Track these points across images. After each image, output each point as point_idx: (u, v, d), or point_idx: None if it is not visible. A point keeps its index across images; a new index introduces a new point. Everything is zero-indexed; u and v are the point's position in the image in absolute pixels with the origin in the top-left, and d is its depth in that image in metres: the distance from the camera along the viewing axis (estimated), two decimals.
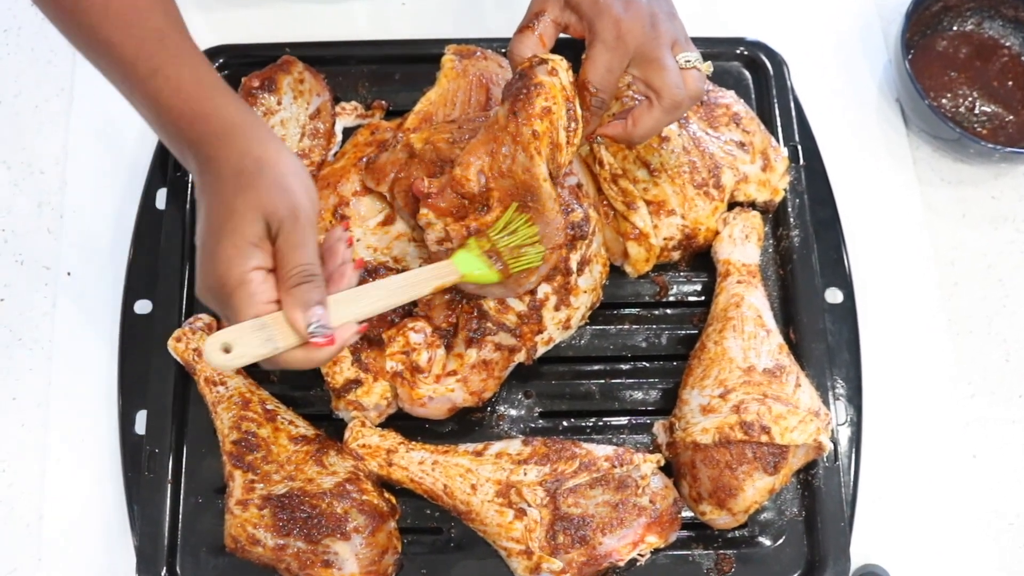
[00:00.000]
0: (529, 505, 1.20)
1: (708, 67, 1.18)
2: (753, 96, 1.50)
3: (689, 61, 1.15)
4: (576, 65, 1.16)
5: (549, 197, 1.15)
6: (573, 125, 1.15)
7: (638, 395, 1.36)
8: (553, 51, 1.17)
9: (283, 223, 0.97)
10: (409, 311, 1.28)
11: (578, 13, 1.13)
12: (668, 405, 1.33)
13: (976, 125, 1.52)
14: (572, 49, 1.18)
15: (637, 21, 1.11)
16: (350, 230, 1.21)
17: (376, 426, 1.29)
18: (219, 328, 1.31)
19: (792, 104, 1.48)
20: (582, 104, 1.16)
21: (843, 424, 1.34)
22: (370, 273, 1.28)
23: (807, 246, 1.39)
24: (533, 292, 1.26)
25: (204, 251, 0.99)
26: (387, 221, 1.29)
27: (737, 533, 1.29)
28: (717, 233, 1.37)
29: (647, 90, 1.15)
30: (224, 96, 1.05)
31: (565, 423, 1.34)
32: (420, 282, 1.12)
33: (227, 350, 0.94)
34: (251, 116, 1.06)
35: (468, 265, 1.16)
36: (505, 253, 1.17)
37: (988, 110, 1.53)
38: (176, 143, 1.07)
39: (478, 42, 1.43)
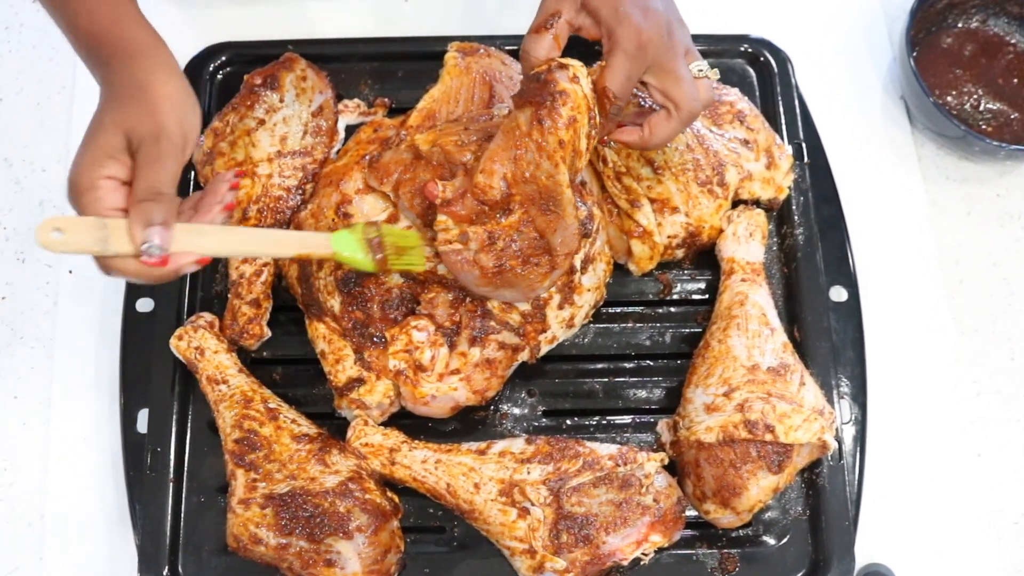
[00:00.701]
0: (532, 504, 1.20)
1: (716, 74, 1.18)
2: (757, 93, 1.50)
3: (702, 71, 1.16)
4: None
5: (569, 203, 1.16)
6: (593, 132, 1.14)
7: (642, 393, 1.35)
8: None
9: (143, 141, 1.01)
10: (412, 309, 1.28)
11: (595, 18, 1.13)
12: (672, 404, 1.33)
13: (981, 123, 1.52)
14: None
15: (656, 30, 1.11)
16: (246, 179, 1.24)
17: (379, 425, 1.28)
18: (221, 326, 1.31)
19: (796, 101, 1.47)
20: (600, 111, 1.15)
21: (847, 423, 1.34)
22: (371, 273, 1.27)
23: (811, 244, 1.38)
24: None
25: (73, 160, 1.03)
26: (390, 220, 1.28)
27: (741, 532, 1.29)
28: (721, 231, 1.37)
29: (664, 100, 1.15)
30: (133, 25, 1.10)
31: (568, 422, 1.34)
32: (284, 242, 1.14)
33: (59, 231, 0.96)
34: (155, 47, 1.10)
35: (344, 245, 1.17)
36: (390, 248, 1.19)
37: (993, 107, 1.53)
38: (88, 64, 1.11)
39: (481, 39, 1.43)
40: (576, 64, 1.13)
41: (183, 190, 1.39)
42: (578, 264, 1.28)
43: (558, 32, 1.13)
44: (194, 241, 1.03)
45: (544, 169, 1.13)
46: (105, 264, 1.01)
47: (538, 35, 1.13)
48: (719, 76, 1.20)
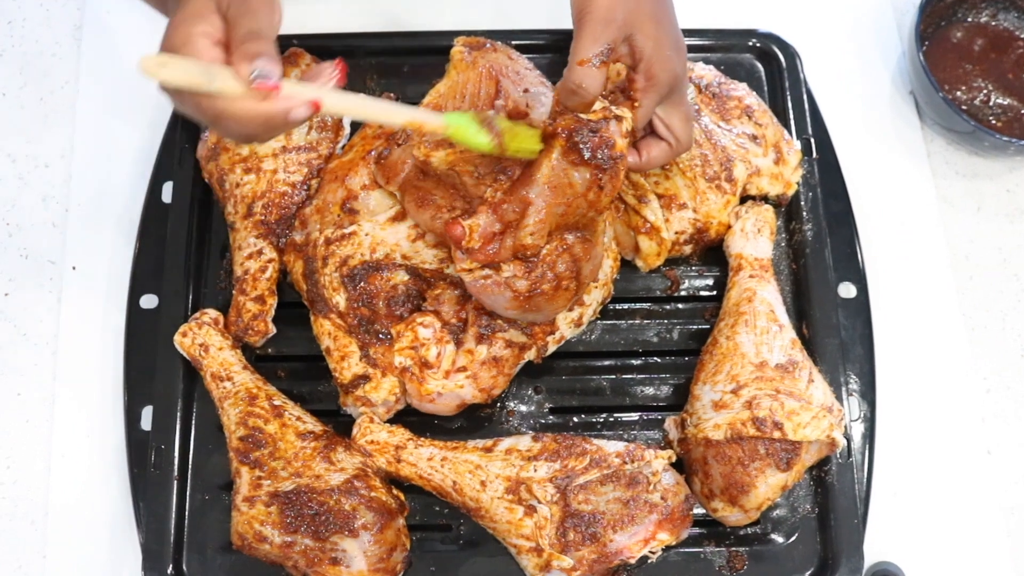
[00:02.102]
0: (539, 502, 1.19)
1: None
2: (766, 88, 1.49)
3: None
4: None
5: (602, 231, 1.18)
6: None
7: (649, 391, 1.35)
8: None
9: (232, 1, 1.01)
10: (418, 306, 1.27)
11: (635, 53, 1.14)
12: (679, 401, 1.32)
13: (991, 118, 1.51)
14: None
15: (681, 69, 1.14)
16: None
17: (384, 422, 1.28)
18: (226, 322, 1.31)
19: (805, 97, 1.47)
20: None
21: (856, 420, 1.34)
22: (376, 269, 1.27)
23: (820, 240, 1.38)
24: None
25: (164, 34, 1.02)
26: (398, 217, 1.28)
27: (749, 530, 1.29)
28: (729, 227, 1.36)
29: (668, 133, 1.19)
30: None
31: (575, 419, 1.34)
32: (399, 112, 1.10)
33: (165, 65, 0.95)
34: None
35: (461, 125, 1.11)
36: (506, 130, 1.13)
37: (1003, 103, 1.52)
38: None
39: (488, 34, 1.42)
40: (628, 115, 1.14)
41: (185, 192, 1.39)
42: None
43: (607, 64, 1.12)
44: (303, 91, 1.00)
45: (589, 217, 1.15)
46: (211, 108, 0.98)
47: (590, 69, 1.10)
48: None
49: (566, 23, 1.54)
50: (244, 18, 0.99)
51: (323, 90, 1.01)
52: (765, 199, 1.40)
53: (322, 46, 1.46)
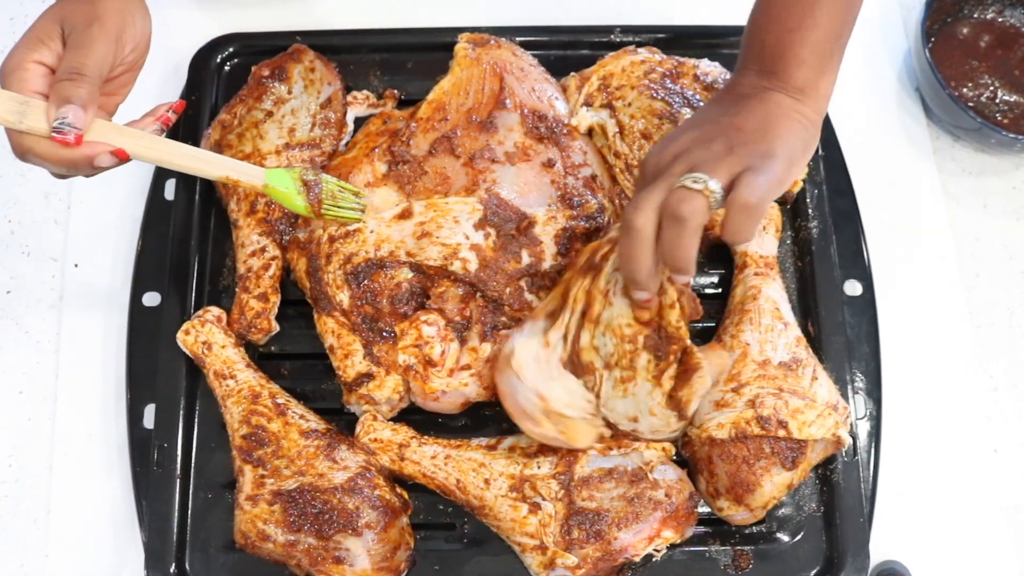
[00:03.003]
0: (543, 499, 1.19)
1: (710, 184, 0.99)
2: None
3: (688, 178, 1.00)
4: None
5: None
6: None
7: None
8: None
9: (75, 28, 1.03)
10: (422, 304, 1.27)
11: None
12: None
13: (997, 115, 1.51)
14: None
15: (657, 156, 1.07)
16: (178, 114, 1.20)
17: (388, 420, 1.28)
18: (229, 320, 1.31)
19: None
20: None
21: (862, 418, 1.33)
22: (380, 267, 1.27)
23: (826, 238, 1.37)
24: (552, 287, 1.25)
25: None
26: (404, 215, 1.27)
27: (755, 529, 1.28)
28: None
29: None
30: None
31: None
32: (213, 163, 1.14)
33: None
34: None
35: (278, 181, 1.17)
36: (326, 194, 1.20)
37: (1010, 99, 1.51)
38: None
39: (492, 30, 1.41)
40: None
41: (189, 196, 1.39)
42: None
43: None
44: (113, 136, 1.04)
45: None
46: (20, 144, 1.01)
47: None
48: (715, 187, 1.00)
49: (570, 19, 1.55)
50: (74, 51, 1.02)
51: (132, 138, 1.06)
52: None
53: (325, 43, 1.46)
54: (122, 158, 1.05)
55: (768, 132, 1.05)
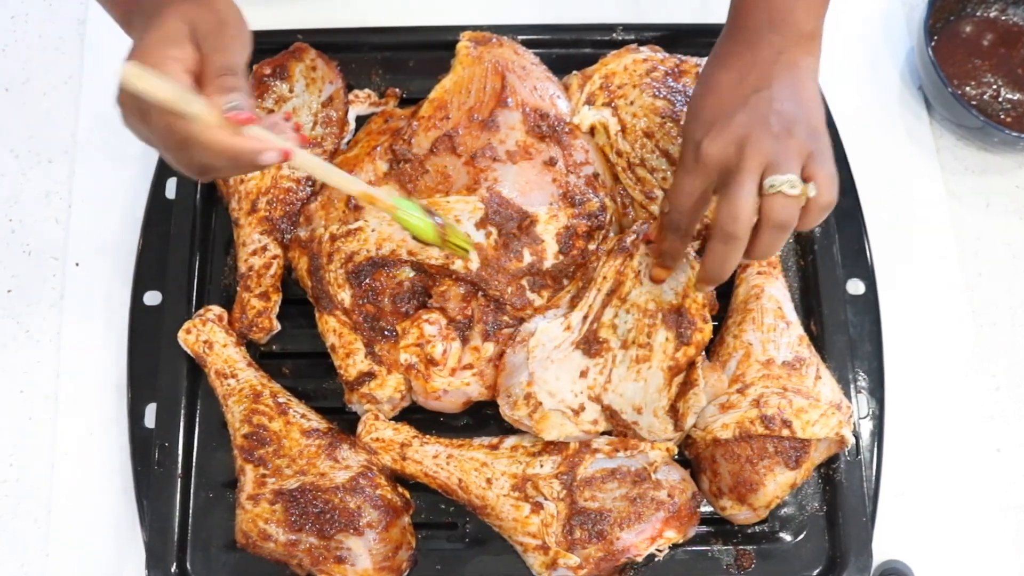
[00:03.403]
0: (545, 499, 1.19)
1: (807, 190, 1.03)
2: None
3: (773, 186, 1.03)
4: None
5: None
6: None
7: None
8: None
9: (208, 33, 0.99)
10: (423, 303, 1.27)
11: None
12: None
13: (1000, 113, 1.50)
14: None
15: (718, 144, 1.06)
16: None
17: (390, 420, 1.28)
18: (230, 319, 1.30)
19: None
20: (659, 223, 1.18)
21: (865, 417, 1.33)
22: (381, 265, 1.27)
23: (828, 236, 1.37)
24: (555, 287, 1.26)
25: (129, 52, 1.00)
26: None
27: (757, 528, 1.28)
28: None
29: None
30: None
31: None
32: (354, 184, 1.13)
33: (143, 78, 0.93)
34: None
35: (407, 204, 1.17)
36: (447, 225, 1.20)
37: (1013, 98, 1.51)
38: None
39: (494, 28, 1.41)
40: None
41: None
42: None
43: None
44: (276, 138, 1.00)
45: None
46: (179, 131, 0.96)
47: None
48: (814, 193, 1.03)
49: (572, 18, 1.55)
50: (218, 53, 0.99)
51: (294, 145, 1.02)
52: None
53: (327, 41, 1.46)
54: (287, 158, 1.01)
55: (804, 101, 1.08)
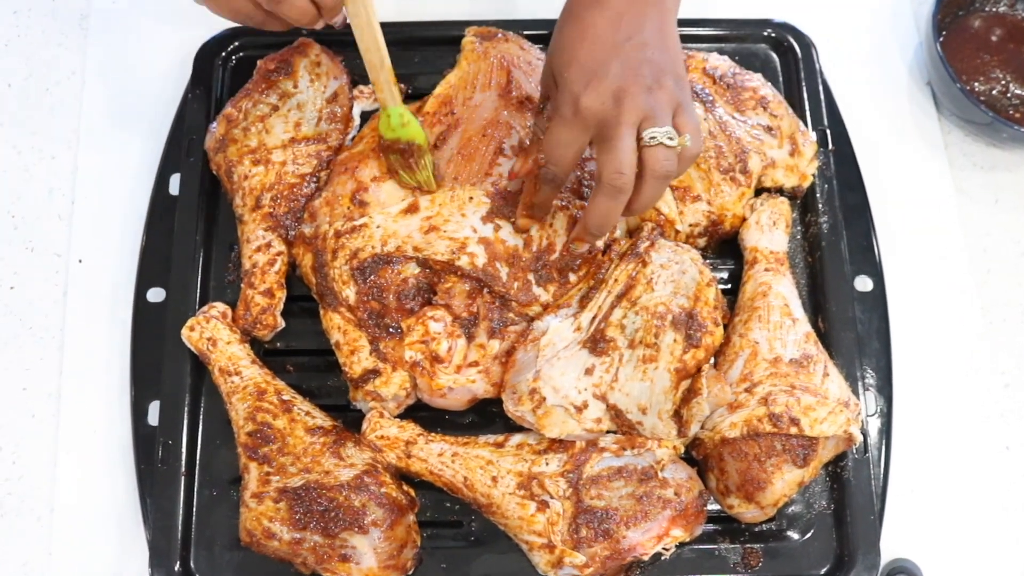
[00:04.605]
0: (551, 497, 1.19)
1: (684, 140, 1.09)
2: (781, 79, 1.48)
3: (654, 138, 1.07)
4: None
5: None
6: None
7: None
8: None
9: None
10: (429, 300, 1.26)
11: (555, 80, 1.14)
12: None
13: (1009, 109, 1.49)
14: None
15: (596, 97, 1.07)
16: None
17: (395, 417, 1.27)
18: (234, 316, 1.30)
19: (821, 87, 1.46)
20: (531, 172, 1.21)
21: (873, 415, 1.32)
22: (386, 262, 1.26)
23: (836, 233, 1.37)
24: (561, 281, 1.25)
25: None
26: (411, 209, 1.27)
27: (765, 527, 1.27)
28: (744, 220, 1.35)
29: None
30: None
31: None
32: (384, 53, 1.22)
33: None
34: None
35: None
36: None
37: (1022, 93, 1.50)
38: None
39: (499, 24, 1.41)
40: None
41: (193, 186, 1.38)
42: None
43: None
44: None
45: None
46: None
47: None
48: (688, 143, 1.09)
49: None
50: None
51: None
52: (780, 191, 1.38)
53: (332, 36, 1.44)
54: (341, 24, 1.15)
55: (669, 48, 1.12)
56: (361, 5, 1.15)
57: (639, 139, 1.07)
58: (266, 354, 1.34)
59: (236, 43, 1.48)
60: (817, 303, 1.35)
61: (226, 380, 1.27)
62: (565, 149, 1.11)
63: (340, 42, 1.45)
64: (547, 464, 1.20)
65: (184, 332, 1.29)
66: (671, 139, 1.07)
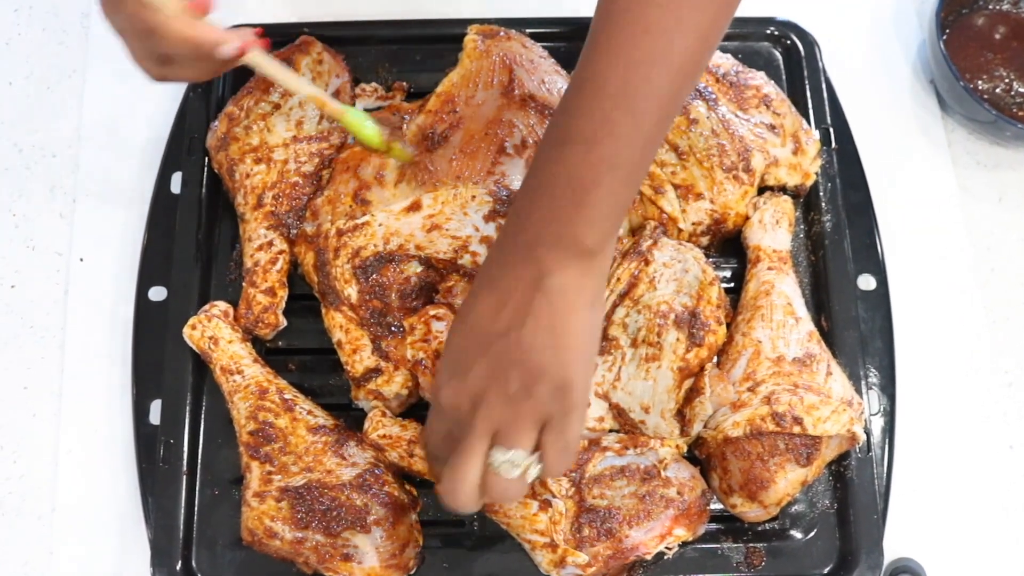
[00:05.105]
0: (554, 496, 1.18)
1: (528, 468, 0.97)
2: (784, 77, 1.48)
3: (491, 464, 0.97)
4: None
5: None
6: None
7: None
8: None
9: None
10: (431, 298, 1.26)
11: None
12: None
13: (1013, 107, 1.49)
14: None
15: (453, 396, 0.98)
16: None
17: (397, 416, 1.27)
18: (236, 315, 1.30)
19: (824, 85, 1.45)
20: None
21: (876, 414, 1.32)
22: (389, 260, 1.26)
23: (839, 231, 1.36)
24: None
25: None
26: (413, 207, 1.26)
27: (768, 526, 1.27)
28: (747, 218, 1.35)
29: None
30: None
31: None
32: (305, 86, 1.24)
33: None
34: None
35: (355, 115, 1.25)
36: (394, 138, 1.28)
37: None
38: None
39: (502, 22, 1.41)
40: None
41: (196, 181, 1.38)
42: None
43: None
44: (235, 33, 1.11)
45: None
46: (147, 22, 1.06)
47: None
48: (534, 472, 0.98)
49: (581, 11, 1.54)
50: None
51: (252, 42, 1.13)
52: (783, 190, 1.38)
53: (334, 34, 1.45)
54: (242, 53, 1.10)
55: (559, 347, 0.95)
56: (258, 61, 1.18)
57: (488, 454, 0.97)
58: (268, 353, 1.34)
59: None
60: (820, 302, 1.35)
61: (228, 379, 1.27)
62: (435, 435, 1.05)
63: (342, 40, 1.45)
64: None
65: (186, 331, 1.29)
66: (514, 467, 0.96)
